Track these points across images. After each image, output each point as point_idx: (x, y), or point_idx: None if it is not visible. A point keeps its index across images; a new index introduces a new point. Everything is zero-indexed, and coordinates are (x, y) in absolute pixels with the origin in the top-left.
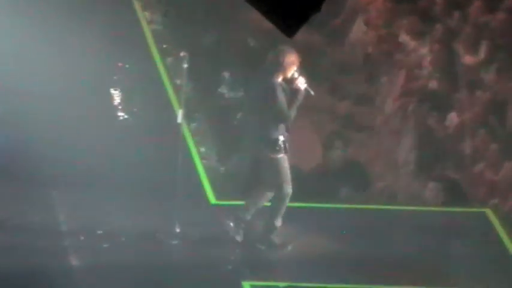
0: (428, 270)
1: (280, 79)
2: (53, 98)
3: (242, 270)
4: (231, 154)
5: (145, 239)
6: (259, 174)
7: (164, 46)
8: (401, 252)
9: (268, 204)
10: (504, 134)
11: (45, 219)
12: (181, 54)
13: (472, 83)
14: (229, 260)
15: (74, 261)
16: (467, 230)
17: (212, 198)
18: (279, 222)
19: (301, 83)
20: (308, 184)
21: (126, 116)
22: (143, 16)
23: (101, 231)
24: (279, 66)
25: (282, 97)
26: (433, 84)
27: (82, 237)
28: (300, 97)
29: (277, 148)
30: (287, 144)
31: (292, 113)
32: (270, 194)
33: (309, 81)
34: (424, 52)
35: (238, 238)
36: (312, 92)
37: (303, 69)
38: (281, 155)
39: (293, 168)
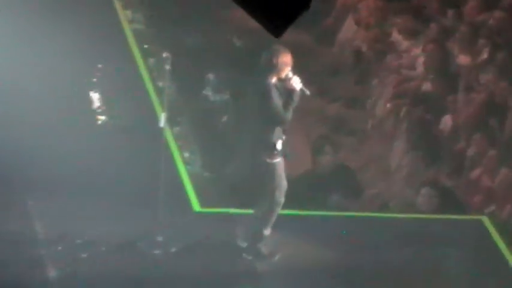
0: (421, 281)
1: (274, 80)
2: (29, 101)
3: (228, 280)
4: (216, 160)
5: (126, 248)
6: (257, 181)
7: (146, 46)
8: (394, 262)
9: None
10: (501, 138)
11: (21, 228)
12: (164, 55)
13: (468, 84)
14: (214, 271)
15: (51, 272)
16: (462, 239)
17: (196, 205)
18: (267, 231)
19: (296, 83)
20: (296, 191)
21: (106, 120)
22: (124, 15)
23: (80, 241)
24: (273, 67)
25: (277, 99)
26: (426, 86)
27: (60, 247)
28: (296, 98)
29: (275, 152)
30: (285, 148)
31: (289, 115)
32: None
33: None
34: (417, 52)
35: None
36: (308, 92)
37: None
38: (278, 160)
39: None
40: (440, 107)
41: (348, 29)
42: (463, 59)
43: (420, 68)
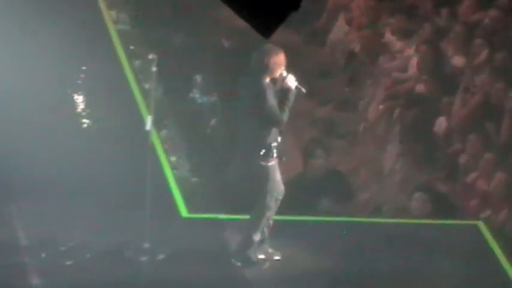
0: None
1: (268, 80)
2: (11, 104)
3: None
4: (205, 164)
5: (111, 255)
6: (250, 184)
7: (131, 47)
8: (387, 268)
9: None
10: (497, 141)
11: (2, 235)
12: (150, 56)
13: (463, 85)
14: (202, 278)
15: (34, 280)
16: (457, 244)
17: (184, 211)
18: (257, 237)
19: (291, 81)
20: (286, 195)
21: (90, 123)
22: (109, 15)
23: (64, 248)
24: (265, 67)
25: (272, 99)
26: (420, 88)
27: (43, 254)
28: (292, 97)
29: (270, 155)
30: (280, 150)
31: (285, 115)
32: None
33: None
34: (410, 53)
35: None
36: (304, 90)
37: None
38: (272, 163)
39: None
40: (435, 109)
41: (340, 29)
42: (457, 60)
43: (414, 69)
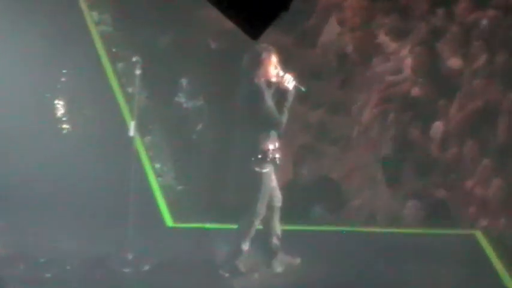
0: None
1: (263, 80)
2: None
3: None
4: (191, 171)
5: (93, 267)
6: (242, 191)
7: (114, 50)
8: (381, 279)
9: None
10: (496, 146)
11: None
12: (134, 58)
13: (459, 89)
14: None
15: None
16: (454, 254)
17: (169, 220)
18: (246, 246)
19: (289, 81)
20: None
21: (70, 129)
22: (90, 16)
23: (44, 259)
24: (258, 68)
25: (270, 101)
26: (415, 90)
27: (21, 267)
28: (290, 97)
29: (267, 160)
30: (277, 156)
31: (284, 117)
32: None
33: None
34: (405, 54)
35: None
36: (303, 89)
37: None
38: (267, 170)
39: None
40: (430, 113)
41: (331, 30)
42: (454, 62)
43: (408, 71)
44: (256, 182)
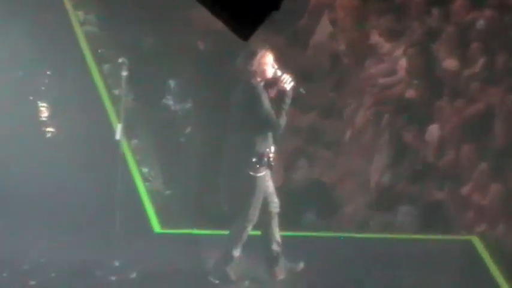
0: None
1: (259, 82)
2: None
3: None
4: (179, 175)
5: (79, 274)
6: (235, 196)
7: (100, 51)
8: (375, 287)
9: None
10: (493, 150)
11: None
12: (120, 60)
13: (456, 90)
14: None
15: None
16: (450, 261)
17: (156, 226)
18: (237, 252)
19: (287, 82)
20: None
21: (55, 132)
22: (75, 16)
23: (27, 267)
24: (254, 69)
25: (267, 102)
26: (410, 93)
27: (5, 274)
28: (288, 100)
29: (262, 163)
30: (272, 160)
31: (282, 120)
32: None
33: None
34: (399, 55)
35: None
36: (303, 91)
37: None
38: (261, 174)
39: None
40: (426, 116)
41: (323, 31)
42: (450, 63)
43: (403, 73)
44: (250, 186)
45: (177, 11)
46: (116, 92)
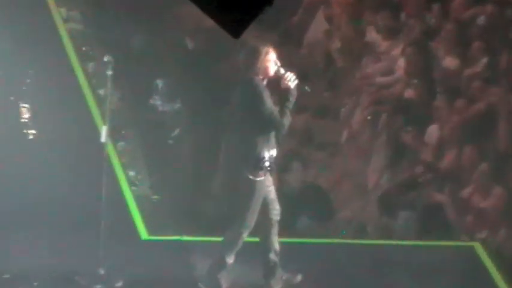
0: None
1: (262, 80)
2: None
3: None
4: (167, 179)
5: (62, 283)
6: (232, 200)
7: (84, 49)
8: None
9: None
10: (495, 152)
11: None
12: (105, 58)
13: (456, 90)
14: None
15: None
16: (451, 268)
17: (143, 233)
18: (230, 259)
19: (291, 80)
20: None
21: (37, 134)
22: (58, 13)
23: (8, 276)
24: (255, 66)
25: (270, 101)
26: (408, 93)
27: None
28: (292, 98)
29: (261, 166)
30: (273, 163)
31: (286, 119)
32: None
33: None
34: (397, 54)
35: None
36: (308, 89)
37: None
38: (261, 178)
39: None
40: (425, 116)
41: (318, 28)
42: (450, 62)
43: (401, 72)
44: (248, 190)
45: (165, 7)
46: (101, 92)
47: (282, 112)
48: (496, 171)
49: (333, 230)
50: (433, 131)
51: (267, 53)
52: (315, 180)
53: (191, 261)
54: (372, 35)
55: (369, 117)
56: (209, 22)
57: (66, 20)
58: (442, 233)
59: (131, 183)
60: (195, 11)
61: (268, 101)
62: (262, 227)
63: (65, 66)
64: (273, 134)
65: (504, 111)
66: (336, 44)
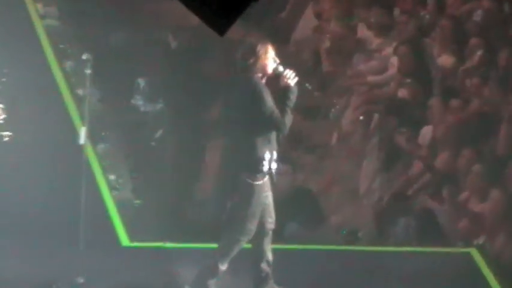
0: None
1: (261, 78)
2: None
3: None
4: (150, 183)
5: None
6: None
7: (62, 46)
8: None
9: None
10: (492, 154)
11: None
12: (84, 56)
13: (452, 89)
14: None
15: None
16: (447, 275)
17: (125, 239)
18: (223, 266)
19: (290, 78)
20: None
21: (13, 136)
22: (35, 9)
23: None
24: (254, 64)
25: (270, 100)
26: (402, 92)
27: None
28: (293, 96)
29: (260, 169)
30: (274, 166)
31: (287, 118)
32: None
33: None
34: (390, 51)
35: None
36: (309, 86)
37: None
38: (260, 182)
39: None
40: (419, 117)
41: (307, 24)
42: (445, 60)
43: (394, 70)
44: (246, 195)
45: (147, 3)
46: (80, 91)
47: (282, 111)
48: (494, 174)
49: (324, 236)
50: (427, 132)
51: (265, 50)
52: (305, 184)
53: (175, 270)
54: (364, 31)
55: (360, 118)
56: (193, 18)
57: (43, 16)
58: (437, 239)
59: (112, 187)
60: (179, 7)
61: (269, 100)
62: (255, 235)
63: (42, 65)
64: (273, 135)
65: (503, 111)
66: (326, 41)
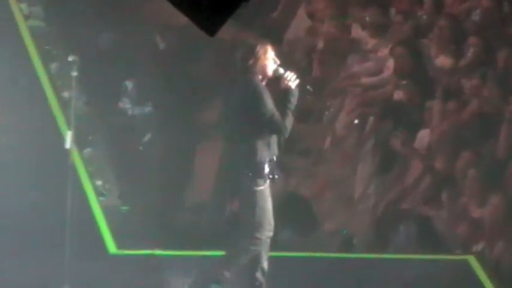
0: None
1: (261, 80)
2: None
3: None
4: (138, 189)
5: None
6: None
7: (47, 48)
8: None
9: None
10: (492, 158)
11: None
12: (70, 58)
13: (449, 91)
14: None
15: None
16: (445, 283)
17: (112, 247)
18: (228, 274)
19: (291, 80)
20: None
21: None
22: (18, 9)
23: None
24: (254, 63)
25: (271, 103)
26: (398, 94)
27: None
28: (294, 99)
29: (261, 174)
30: (275, 171)
31: (288, 121)
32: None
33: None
34: (385, 52)
35: None
36: (310, 88)
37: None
38: (262, 187)
39: None
40: (416, 120)
41: (300, 24)
42: (442, 61)
43: (390, 72)
44: (251, 202)
45: (134, 3)
46: (66, 94)
47: (283, 114)
48: (493, 178)
49: (317, 243)
50: (424, 136)
51: (264, 51)
52: (297, 190)
53: (164, 278)
54: (358, 31)
55: (355, 121)
56: (182, 19)
57: (27, 17)
58: (435, 245)
59: (98, 192)
60: (167, 7)
61: (269, 103)
62: None
63: (26, 67)
64: (274, 138)
65: (503, 113)
66: (319, 42)
